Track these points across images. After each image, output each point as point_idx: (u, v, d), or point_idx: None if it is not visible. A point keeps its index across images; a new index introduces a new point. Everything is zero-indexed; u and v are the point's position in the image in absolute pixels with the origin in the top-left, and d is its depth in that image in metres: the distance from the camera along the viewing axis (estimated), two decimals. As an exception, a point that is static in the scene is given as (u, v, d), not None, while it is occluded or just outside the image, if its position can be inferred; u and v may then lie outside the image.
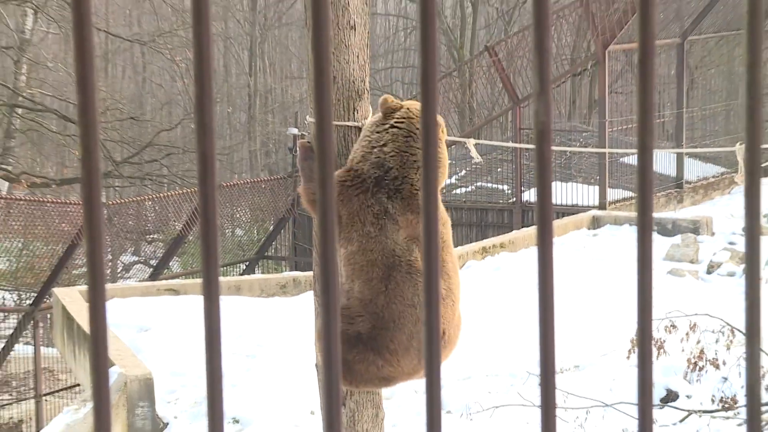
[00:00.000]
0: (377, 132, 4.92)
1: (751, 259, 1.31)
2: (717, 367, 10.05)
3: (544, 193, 1.35)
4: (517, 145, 20.35)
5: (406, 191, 4.79)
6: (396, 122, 4.91)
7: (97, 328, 1.27)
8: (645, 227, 1.34)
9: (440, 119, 5.05)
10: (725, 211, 18.92)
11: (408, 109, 4.96)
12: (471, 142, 16.87)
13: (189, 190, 23.49)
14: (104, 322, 1.28)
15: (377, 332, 4.88)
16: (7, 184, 30.24)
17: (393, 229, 4.82)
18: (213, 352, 1.33)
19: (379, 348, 4.88)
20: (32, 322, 19.96)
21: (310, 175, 5.03)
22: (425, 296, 1.38)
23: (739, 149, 15.03)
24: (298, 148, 5.21)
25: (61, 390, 18.92)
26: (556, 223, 16.20)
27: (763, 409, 6.16)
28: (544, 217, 1.36)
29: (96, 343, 1.28)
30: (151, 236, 26.94)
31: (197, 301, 10.97)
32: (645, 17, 1.34)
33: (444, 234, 4.93)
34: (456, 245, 16.72)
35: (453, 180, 22.28)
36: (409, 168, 4.80)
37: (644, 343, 1.40)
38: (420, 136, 1.36)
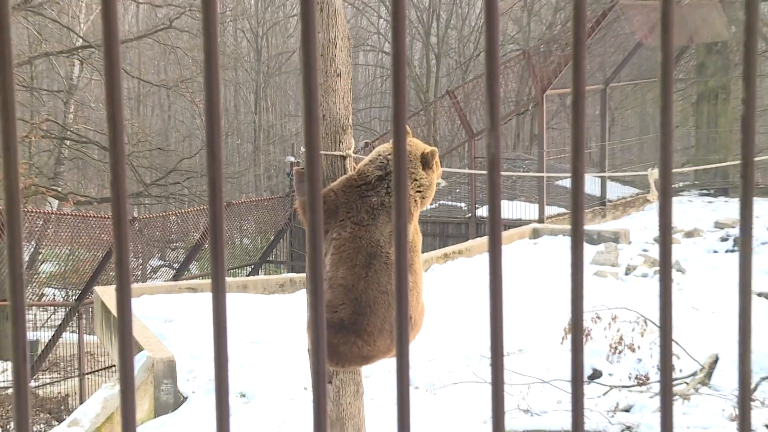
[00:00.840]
0: (385, 150, 4.99)
1: (664, 264, 1.30)
2: (633, 350, 10.07)
3: (494, 210, 1.34)
4: (472, 172, 20.38)
5: None
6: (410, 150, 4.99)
7: (123, 320, 1.26)
8: (577, 238, 1.33)
9: (434, 149, 5.09)
10: (640, 225, 19.01)
11: (409, 143, 5.01)
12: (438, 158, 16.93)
13: (205, 207, 23.47)
14: (130, 313, 1.27)
15: (356, 317, 4.87)
16: (57, 202, 30.16)
17: (384, 221, 4.83)
18: (220, 339, 1.32)
19: (358, 331, 4.88)
20: (77, 314, 19.90)
21: (304, 193, 5.05)
22: (395, 288, 1.37)
23: (651, 173, 15.10)
24: (294, 173, 5.24)
25: (100, 370, 18.85)
26: (504, 234, 16.24)
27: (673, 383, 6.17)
28: (494, 229, 1.35)
29: (122, 331, 1.26)
30: (174, 244, 26.90)
31: (210, 298, 10.95)
32: (577, 68, 1.34)
33: (416, 241, 4.95)
34: (423, 252, 16.78)
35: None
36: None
37: (576, 331, 1.39)
38: (392, 160, 1.35)
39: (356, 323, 4.87)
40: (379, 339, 4.88)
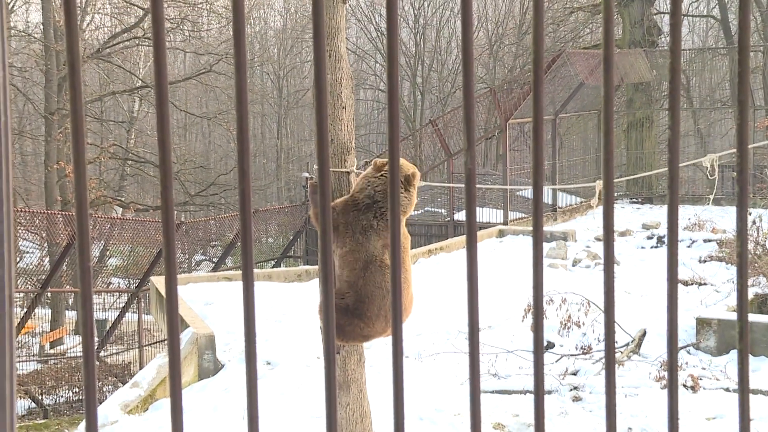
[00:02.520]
0: (373, 177, 4.95)
1: (607, 257, 1.28)
2: (579, 326, 10.05)
3: (471, 213, 1.33)
4: (451, 185, 20.35)
5: (386, 215, 4.82)
6: (384, 173, 4.93)
7: (171, 303, 1.24)
8: (537, 236, 1.31)
9: (416, 171, 5.06)
10: (583, 226, 18.99)
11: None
12: (419, 178, 16.88)
13: (237, 214, 23.44)
14: (176, 296, 1.25)
15: (358, 304, 4.86)
16: (121, 209, 30.14)
17: (375, 239, 4.83)
18: (249, 318, 1.30)
19: (360, 315, 4.86)
20: (137, 299, 19.86)
21: (317, 203, 5.04)
22: (391, 282, 1.35)
23: (598, 184, 15.13)
24: (308, 186, 5.23)
25: (155, 343, 18.80)
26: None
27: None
28: (470, 229, 1.33)
29: (170, 312, 1.24)
30: (213, 243, 26.87)
31: (242, 286, 10.93)
32: (536, 101, 1.32)
33: (405, 243, 4.94)
34: (411, 248, 16.75)
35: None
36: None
37: (537, 310, 1.37)
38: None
39: (358, 309, 4.86)
40: (377, 322, 4.89)
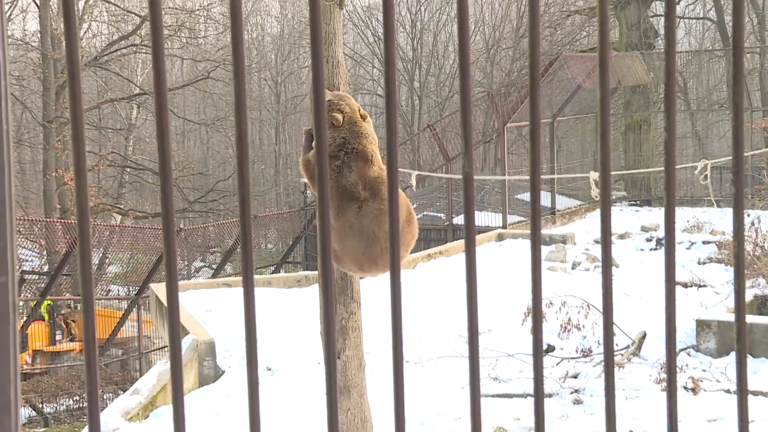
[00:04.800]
0: (332, 130, 4.90)
1: (605, 260, 1.29)
2: (579, 329, 10.05)
3: (469, 216, 1.33)
4: (450, 176, 20.36)
5: (356, 150, 4.78)
6: (350, 118, 4.87)
7: (172, 309, 1.24)
8: (536, 239, 1.32)
9: (356, 105, 5.00)
10: (582, 229, 18.99)
11: (346, 111, 4.93)
12: (414, 174, 16.91)
13: (236, 220, 23.41)
14: (177, 303, 1.25)
15: (342, 249, 4.76)
16: (120, 216, 30.14)
17: (347, 173, 4.79)
18: (250, 324, 1.31)
19: (345, 260, 4.78)
20: (136, 305, 19.84)
21: (307, 149, 5.01)
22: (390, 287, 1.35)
23: (592, 174, 15.27)
24: (304, 134, 5.17)
25: (155, 350, 18.78)
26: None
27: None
28: (469, 233, 1.34)
29: (171, 318, 1.25)
30: (213, 249, 26.86)
31: (242, 291, 10.92)
32: (534, 104, 1.33)
33: (381, 175, 4.87)
34: (411, 253, 16.75)
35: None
36: (356, 138, 4.81)
37: (536, 314, 1.38)
38: (387, 179, 1.34)
39: (342, 255, 4.80)
40: (363, 265, 4.79)
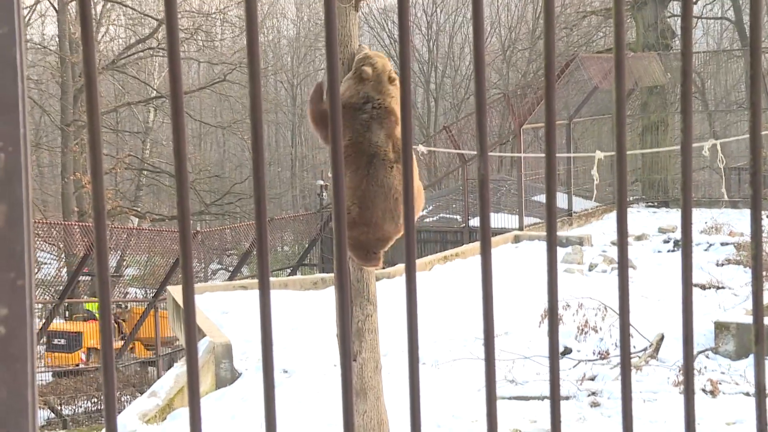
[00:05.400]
0: (361, 84, 4.90)
1: (621, 260, 1.28)
2: (596, 331, 10.00)
3: (485, 219, 1.33)
4: (463, 152, 20.33)
5: (384, 107, 4.78)
6: (379, 76, 4.90)
7: (189, 312, 1.25)
8: (552, 242, 1.31)
9: (389, 67, 4.99)
10: (599, 231, 18.91)
11: (377, 64, 4.95)
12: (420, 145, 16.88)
13: (252, 222, 23.47)
14: (194, 306, 1.25)
15: (363, 212, 4.80)
16: (137, 219, 30.28)
17: (376, 127, 4.80)
18: (266, 326, 1.31)
19: (367, 222, 4.81)
20: (154, 308, 19.92)
21: (315, 98, 5.03)
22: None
23: (597, 153, 15.32)
24: (314, 87, 5.16)
25: (173, 352, 18.86)
26: (492, 240, 16.18)
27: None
28: (485, 235, 1.33)
29: (188, 321, 1.25)
30: (229, 252, 26.94)
31: (258, 294, 10.91)
32: (549, 106, 1.32)
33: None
34: (425, 255, 16.74)
35: (424, 212, 22.24)
36: (384, 96, 4.83)
37: (553, 316, 1.37)
38: (403, 177, 1.34)
39: (363, 216, 4.81)
40: (384, 224, 4.82)
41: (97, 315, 19.28)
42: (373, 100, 4.82)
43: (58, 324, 19.70)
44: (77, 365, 18.76)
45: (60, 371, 18.40)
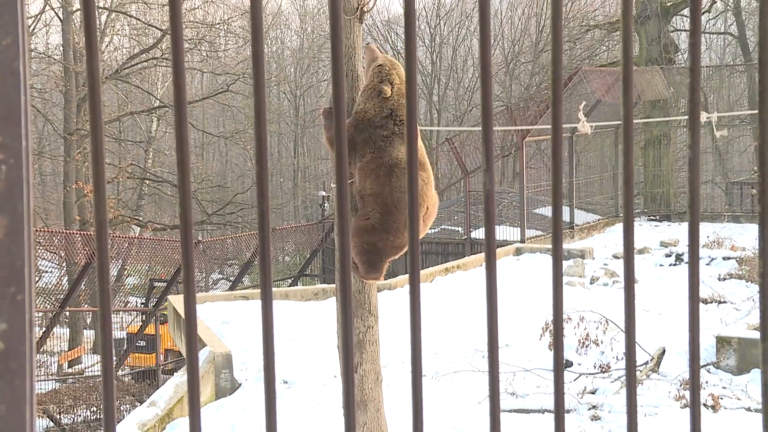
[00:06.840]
0: (383, 98, 4.90)
1: (627, 275, 1.27)
2: (597, 345, 9.98)
3: (490, 232, 1.32)
4: (470, 128, 20.32)
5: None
6: (398, 89, 4.92)
7: (190, 322, 1.24)
8: (557, 254, 1.30)
9: (403, 72, 5.00)
10: (601, 244, 18.90)
11: (396, 83, 4.97)
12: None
13: (254, 232, 23.46)
14: (195, 316, 1.24)
15: (384, 218, 4.83)
16: (138, 228, 30.28)
17: (398, 143, 4.83)
18: (267, 336, 1.30)
19: (388, 228, 4.83)
20: (154, 317, 19.90)
21: (329, 125, 5.03)
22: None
23: (581, 111, 15.10)
24: (323, 112, 5.18)
25: (173, 361, 18.82)
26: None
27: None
28: (489, 247, 1.33)
29: (189, 331, 1.24)
30: (230, 261, 26.92)
31: (259, 304, 10.89)
32: (556, 117, 1.32)
33: (422, 157, 4.90)
34: (426, 267, 16.71)
35: (426, 224, 22.19)
36: (404, 109, 4.90)
37: (557, 329, 1.36)
38: (408, 191, 1.33)
39: (385, 222, 4.83)
40: (405, 231, 4.84)
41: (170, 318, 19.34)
42: (395, 116, 4.85)
43: (134, 327, 20.38)
44: (157, 365, 19.10)
45: (141, 371, 18.93)
